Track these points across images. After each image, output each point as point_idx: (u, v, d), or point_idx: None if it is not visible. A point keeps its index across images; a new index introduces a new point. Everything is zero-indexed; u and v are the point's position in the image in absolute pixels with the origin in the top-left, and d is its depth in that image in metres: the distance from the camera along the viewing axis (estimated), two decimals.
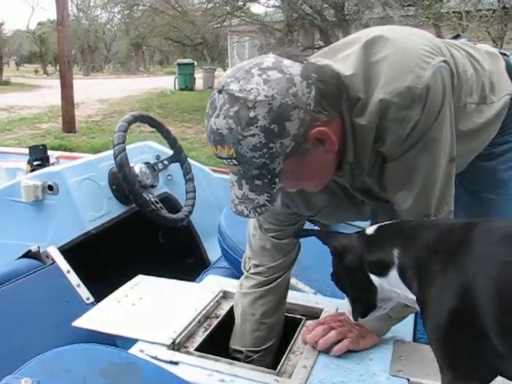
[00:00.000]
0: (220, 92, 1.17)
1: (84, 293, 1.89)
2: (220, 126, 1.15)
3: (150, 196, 2.46)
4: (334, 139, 1.22)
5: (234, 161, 1.18)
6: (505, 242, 1.07)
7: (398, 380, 1.42)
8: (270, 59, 1.20)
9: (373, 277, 1.27)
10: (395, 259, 1.21)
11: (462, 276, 1.08)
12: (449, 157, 1.33)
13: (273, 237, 1.62)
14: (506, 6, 9.99)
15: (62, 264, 1.92)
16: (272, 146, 1.15)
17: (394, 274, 1.22)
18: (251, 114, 1.13)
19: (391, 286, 1.25)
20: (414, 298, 1.20)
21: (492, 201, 1.67)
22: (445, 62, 1.29)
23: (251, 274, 1.68)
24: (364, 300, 1.34)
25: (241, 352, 1.66)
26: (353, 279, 1.31)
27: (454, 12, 10.17)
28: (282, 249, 1.63)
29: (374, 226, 1.31)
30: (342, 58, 1.32)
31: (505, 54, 1.65)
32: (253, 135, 1.14)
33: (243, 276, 1.72)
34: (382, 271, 1.24)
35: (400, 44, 1.29)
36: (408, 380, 1.42)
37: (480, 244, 1.10)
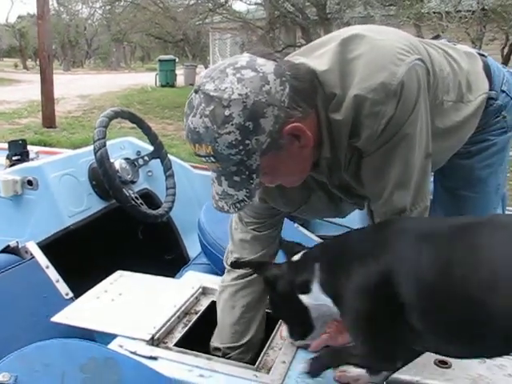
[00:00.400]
0: (196, 92, 1.20)
1: (63, 288, 1.88)
2: (197, 124, 1.19)
3: (130, 192, 2.45)
4: (309, 134, 1.25)
5: (211, 158, 1.22)
6: (421, 240, 1.19)
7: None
8: (244, 58, 1.23)
9: (302, 297, 1.35)
10: (316, 273, 1.32)
11: (381, 267, 1.19)
12: (424, 152, 1.35)
13: (253, 229, 1.64)
14: (485, 7, 10.09)
15: (41, 259, 1.91)
16: (248, 142, 1.18)
17: (316, 287, 1.32)
18: (226, 113, 1.16)
19: (317, 300, 1.33)
20: None
21: (469, 198, 1.70)
22: (420, 59, 1.31)
23: (232, 267, 1.69)
24: (300, 322, 1.42)
25: (219, 349, 1.67)
26: (287, 304, 1.39)
27: (434, 12, 10.25)
28: (263, 241, 1.65)
29: (300, 253, 1.41)
30: (318, 55, 1.35)
31: (483, 55, 1.68)
32: (228, 133, 1.17)
33: (225, 271, 1.73)
34: (307, 288, 1.33)
35: (375, 42, 1.32)
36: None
37: (397, 240, 1.22)
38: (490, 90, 1.60)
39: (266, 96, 1.17)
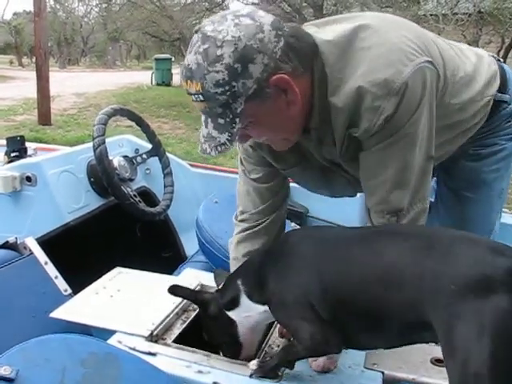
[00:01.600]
0: (196, 32, 1.27)
1: (62, 284, 1.89)
2: (190, 61, 1.26)
3: (129, 189, 2.46)
4: (296, 90, 1.29)
5: (200, 96, 1.27)
6: (322, 244, 1.34)
7: (373, 373, 1.45)
8: (247, 8, 1.31)
9: (230, 313, 1.47)
10: (240, 287, 1.43)
11: (290, 271, 1.34)
12: (425, 155, 1.36)
13: (254, 179, 1.67)
14: (482, 10, 10.14)
15: (40, 255, 1.92)
16: (234, 84, 1.24)
17: (244, 299, 1.43)
18: (218, 52, 1.23)
19: (247, 311, 1.44)
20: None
21: (471, 200, 1.71)
22: (430, 62, 1.32)
23: (238, 221, 1.74)
24: (231, 342, 1.49)
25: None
26: (218, 325, 1.49)
27: (431, 15, 10.30)
28: (263, 193, 1.68)
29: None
30: (330, 30, 1.39)
31: (499, 60, 1.69)
32: (217, 71, 1.23)
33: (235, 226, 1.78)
34: (235, 304, 1.45)
35: (387, 37, 1.34)
36: (382, 373, 1.45)
37: (302, 247, 1.36)
38: (503, 93, 1.61)
39: (258, 43, 1.23)
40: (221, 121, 1.29)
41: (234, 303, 1.44)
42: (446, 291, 1.07)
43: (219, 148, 1.32)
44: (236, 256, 1.73)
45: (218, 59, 1.22)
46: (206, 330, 1.54)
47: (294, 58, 1.28)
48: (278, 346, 1.58)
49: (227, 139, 1.30)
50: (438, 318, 1.09)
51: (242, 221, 1.73)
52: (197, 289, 1.88)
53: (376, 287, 1.19)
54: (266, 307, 1.39)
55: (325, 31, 1.38)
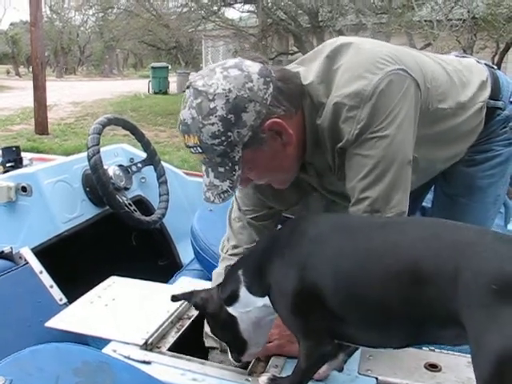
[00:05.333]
0: (188, 87, 1.32)
1: (57, 294, 1.90)
2: (186, 116, 1.31)
3: (124, 198, 2.47)
4: (290, 131, 1.33)
5: (198, 149, 1.32)
6: (335, 230, 1.27)
7: (367, 379, 1.45)
8: (233, 60, 1.35)
9: (230, 309, 1.39)
10: (241, 278, 1.37)
11: (298, 258, 1.25)
12: (402, 159, 1.36)
13: (251, 218, 1.68)
14: (476, 16, 10.17)
15: (35, 265, 1.92)
16: (230, 134, 1.28)
17: (243, 293, 1.37)
18: (211, 105, 1.27)
19: (247, 306, 1.38)
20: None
21: (467, 206, 1.72)
22: (401, 70, 1.35)
23: (228, 255, 1.72)
24: (234, 339, 1.44)
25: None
26: (220, 322, 1.43)
27: (425, 21, 10.32)
28: (260, 230, 1.68)
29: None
30: (311, 66, 1.43)
31: (492, 67, 1.71)
32: (212, 124, 1.27)
33: (220, 260, 1.76)
34: (235, 298, 1.38)
35: (358, 50, 1.39)
36: (376, 379, 1.45)
37: (313, 233, 1.28)
38: (497, 100, 1.62)
39: (248, 92, 1.27)
40: (221, 169, 1.34)
41: (233, 298, 1.38)
42: (485, 290, 1.00)
43: (222, 196, 1.37)
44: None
45: (212, 112, 1.27)
46: (211, 329, 1.51)
47: (285, 101, 1.33)
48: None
49: (229, 186, 1.35)
50: (471, 317, 1.02)
51: (234, 255, 1.70)
52: None
53: (400, 280, 1.11)
54: (265, 300, 1.34)
55: (307, 71, 1.42)
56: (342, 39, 1.47)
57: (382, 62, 1.35)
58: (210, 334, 1.70)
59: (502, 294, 0.98)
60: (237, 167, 1.33)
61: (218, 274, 1.71)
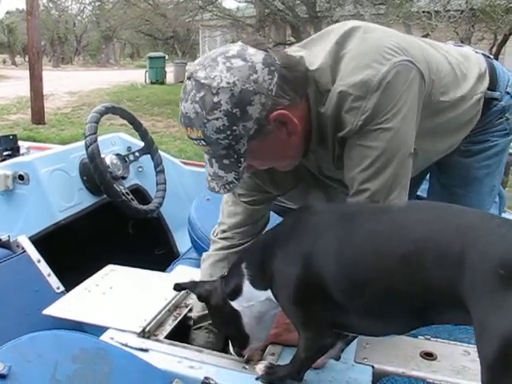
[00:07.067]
0: (189, 78, 1.27)
1: (54, 282, 1.90)
2: (188, 110, 1.26)
3: (121, 187, 2.47)
4: (295, 121, 1.31)
5: (202, 142, 1.29)
6: (338, 218, 1.26)
7: (363, 367, 1.46)
8: (235, 47, 1.29)
9: (233, 303, 1.39)
10: (244, 271, 1.37)
11: (302, 247, 1.25)
12: (404, 151, 1.36)
13: (245, 202, 1.67)
14: (474, 7, 10.15)
15: (33, 253, 1.93)
16: (235, 128, 1.25)
17: (246, 286, 1.37)
18: (215, 100, 1.23)
19: (250, 300, 1.38)
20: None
21: (463, 196, 1.72)
22: (409, 61, 1.34)
23: (218, 238, 1.73)
24: (237, 332, 1.44)
25: (190, 318, 1.72)
26: (223, 315, 1.43)
27: (423, 11, 10.30)
28: (251, 215, 1.68)
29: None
30: (316, 51, 1.40)
31: (489, 57, 1.70)
32: (216, 119, 1.23)
33: (211, 242, 1.77)
34: (238, 292, 1.38)
35: (365, 37, 1.37)
36: (372, 367, 1.46)
37: (315, 222, 1.28)
38: (493, 90, 1.62)
39: (253, 85, 1.23)
40: (226, 161, 1.32)
41: (237, 292, 1.38)
42: (492, 274, 1.00)
43: (227, 187, 1.35)
44: (212, 274, 1.69)
45: (216, 106, 1.22)
46: (213, 321, 1.53)
47: (290, 90, 1.29)
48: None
49: (234, 178, 1.33)
50: (477, 301, 1.02)
51: (223, 238, 1.71)
52: None
53: (406, 263, 1.11)
54: (268, 294, 1.34)
55: (313, 56, 1.39)
56: (350, 23, 1.44)
57: (389, 52, 1.33)
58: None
59: (509, 280, 0.98)
60: (242, 159, 1.31)
61: (208, 256, 1.75)
